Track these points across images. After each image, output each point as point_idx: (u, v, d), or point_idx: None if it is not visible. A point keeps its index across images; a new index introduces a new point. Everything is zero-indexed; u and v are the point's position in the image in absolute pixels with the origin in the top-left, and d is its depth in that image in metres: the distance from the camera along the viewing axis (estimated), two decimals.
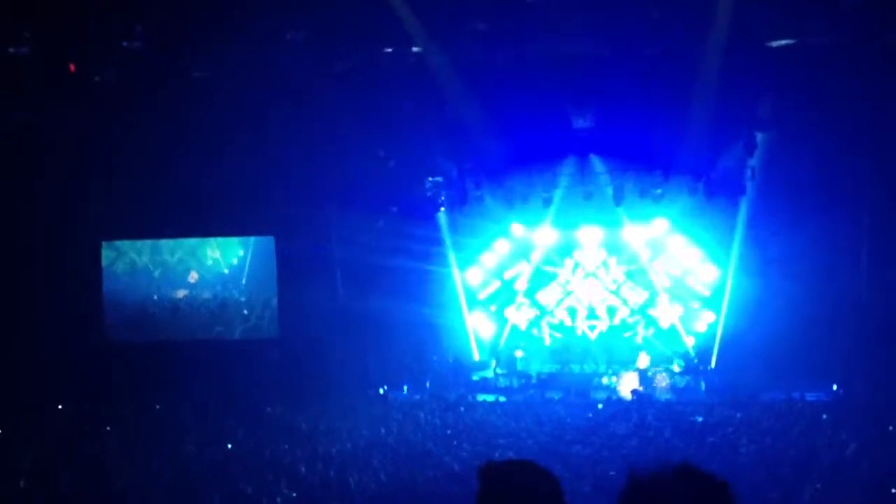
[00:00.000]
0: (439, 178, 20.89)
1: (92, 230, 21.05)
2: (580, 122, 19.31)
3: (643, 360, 20.68)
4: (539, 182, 21.10)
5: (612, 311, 22.05)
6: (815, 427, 14.65)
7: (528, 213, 21.58)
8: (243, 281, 22.20)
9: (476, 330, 22.18)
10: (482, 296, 22.29)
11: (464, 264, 22.11)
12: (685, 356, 20.87)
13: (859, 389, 17.48)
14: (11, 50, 14.86)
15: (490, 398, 19.45)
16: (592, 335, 21.93)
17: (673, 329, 21.70)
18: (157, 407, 17.60)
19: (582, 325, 22.05)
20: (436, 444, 14.02)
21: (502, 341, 22.14)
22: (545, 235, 22.03)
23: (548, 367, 21.32)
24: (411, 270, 21.12)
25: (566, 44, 16.52)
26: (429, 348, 21.30)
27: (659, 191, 20.48)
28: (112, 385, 19.11)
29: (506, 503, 2.77)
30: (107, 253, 22.08)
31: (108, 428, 16.00)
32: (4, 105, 17.45)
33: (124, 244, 22.21)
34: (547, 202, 21.16)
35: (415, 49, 16.68)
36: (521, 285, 22.33)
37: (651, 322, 21.83)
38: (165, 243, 22.25)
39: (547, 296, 22.29)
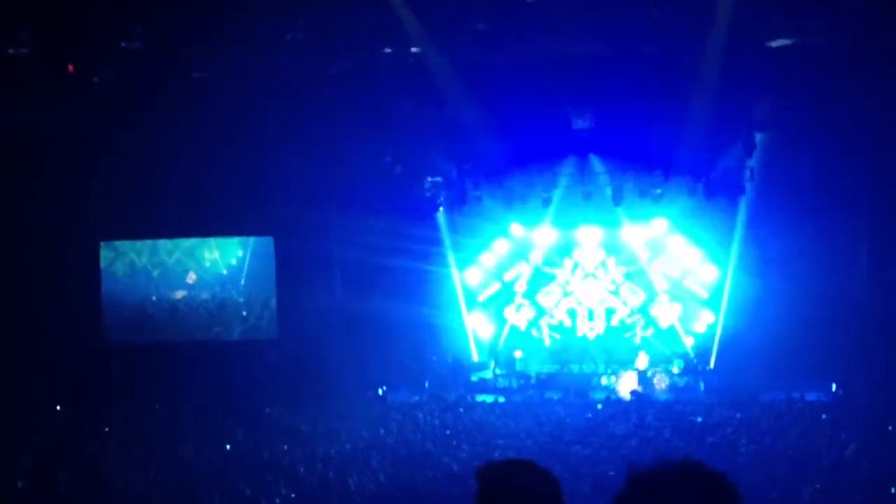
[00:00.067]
0: (438, 179, 20.89)
1: (90, 231, 21.03)
2: (579, 123, 19.31)
3: (642, 361, 20.68)
4: (538, 182, 21.09)
5: (611, 312, 22.04)
6: (815, 427, 14.65)
7: (528, 214, 21.57)
8: (242, 281, 22.17)
9: (475, 330, 22.16)
10: (482, 298, 22.26)
11: (463, 264, 22.10)
12: (684, 356, 20.87)
13: (859, 389, 17.48)
14: (11, 51, 14.85)
15: (489, 399, 19.44)
16: (592, 335, 21.91)
17: (672, 329, 21.69)
18: (156, 408, 17.58)
19: (581, 326, 22.03)
20: (435, 444, 14.02)
21: (501, 342, 22.12)
22: (544, 235, 22.02)
23: (547, 368, 21.30)
24: (410, 271, 21.10)
25: (565, 44, 16.52)
26: (428, 349, 21.28)
27: (658, 191, 20.47)
28: (111, 386, 19.07)
29: (504, 503, 2.76)
30: (105, 253, 22.05)
31: (107, 429, 15.98)
32: (3, 105, 17.43)
33: (123, 245, 22.19)
34: (546, 202, 21.15)
35: (414, 49, 16.68)
36: (520, 286, 22.31)
37: (650, 322, 21.82)
38: (164, 244, 22.22)
39: (546, 296, 22.27)
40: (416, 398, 18.97)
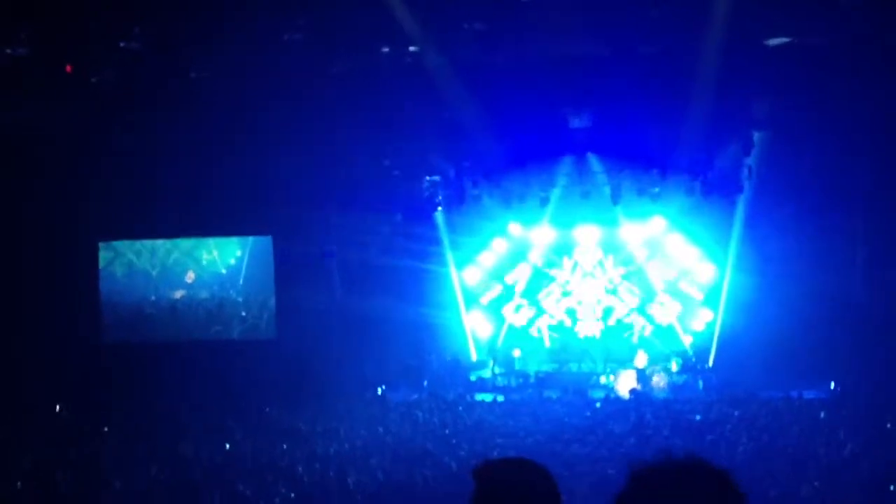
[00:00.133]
0: (437, 178, 20.91)
1: (89, 231, 21.03)
2: (577, 122, 19.34)
3: (641, 359, 20.69)
4: (536, 181, 21.11)
5: (609, 311, 22.05)
6: (813, 425, 14.66)
7: (526, 213, 21.58)
8: (241, 281, 22.18)
9: (474, 330, 22.18)
10: (485, 300, 22.25)
11: (461, 264, 22.11)
12: (683, 355, 20.88)
13: (857, 388, 17.49)
14: (9, 51, 14.84)
15: (488, 397, 19.45)
16: (591, 335, 21.92)
17: (671, 328, 21.71)
18: (155, 407, 17.58)
19: (581, 325, 22.04)
20: (434, 443, 14.02)
21: (500, 341, 22.13)
22: (543, 235, 22.03)
23: (546, 367, 21.31)
24: (409, 270, 21.11)
25: (563, 43, 16.54)
26: (427, 348, 21.28)
27: (656, 189, 20.49)
28: (109, 386, 19.09)
29: (502, 502, 2.76)
30: (104, 254, 22.06)
31: (106, 429, 15.98)
32: (2, 106, 17.43)
33: (121, 245, 22.19)
34: (544, 201, 21.17)
35: (412, 49, 16.70)
36: (519, 286, 22.32)
37: (649, 321, 21.83)
38: (163, 244, 22.23)
39: (545, 295, 22.28)
40: (415, 397, 18.97)
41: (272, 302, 21.68)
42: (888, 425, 14.15)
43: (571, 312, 22.14)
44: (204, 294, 22.25)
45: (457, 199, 21.06)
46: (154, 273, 22.25)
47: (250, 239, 22.06)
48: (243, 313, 22.07)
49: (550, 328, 22.15)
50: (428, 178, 20.86)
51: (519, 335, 22.17)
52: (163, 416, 16.65)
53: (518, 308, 22.26)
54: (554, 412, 16.95)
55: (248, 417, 16.53)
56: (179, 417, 16.48)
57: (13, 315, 20.01)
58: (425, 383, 20.20)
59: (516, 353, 21.45)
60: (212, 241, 22.23)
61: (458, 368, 21.11)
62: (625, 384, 19.68)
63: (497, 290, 22.24)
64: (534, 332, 22.15)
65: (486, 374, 21.18)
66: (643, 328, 21.79)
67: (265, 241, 21.71)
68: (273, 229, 21.19)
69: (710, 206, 20.51)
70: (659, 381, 19.91)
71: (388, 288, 20.58)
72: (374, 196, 20.43)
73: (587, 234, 22.08)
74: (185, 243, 22.27)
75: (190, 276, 22.25)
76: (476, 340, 22.14)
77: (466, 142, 19.63)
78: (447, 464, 12.41)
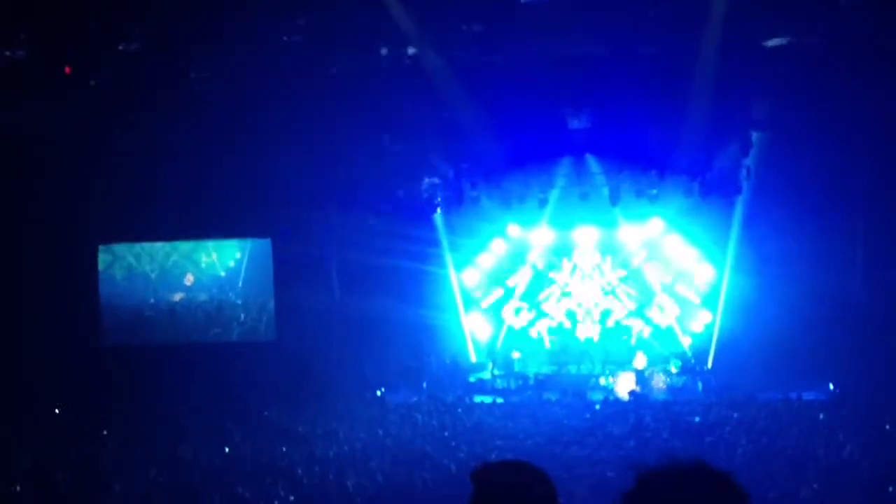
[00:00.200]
0: (436, 179, 20.90)
1: (88, 234, 21.02)
2: (576, 123, 19.35)
3: (640, 361, 20.68)
4: (535, 182, 21.10)
5: (608, 312, 22.04)
6: (812, 427, 14.66)
7: (525, 214, 21.57)
8: (240, 283, 22.17)
9: (473, 331, 22.16)
10: (485, 304, 22.24)
11: (460, 265, 22.09)
12: (682, 356, 20.86)
13: (856, 389, 17.49)
14: (7, 53, 14.84)
15: (487, 399, 19.43)
16: (590, 336, 21.90)
17: (670, 329, 21.70)
18: (155, 410, 17.57)
19: (579, 327, 22.02)
20: (433, 445, 14.02)
21: (499, 343, 22.12)
22: (542, 236, 22.03)
23: (545, 369, 21.29)
24: (408, 272, 21.09)
25: (561, 44, 16.55)
26: (426, 350, 21.26)
27: (655, 191, 20.48)
28: (109, 388, 19.07)
29: None
30: (103, 256, 22.04)
31: (106, 431, 15.97)
32: (1, 108, 17.42)
33: (121, 247, 22.18)
34: (543, 203, 21.16)
35: (411, 50, 16.70)
36: (518, 287, 22.31)
37: (648, 322, 21.82)
38: (162, 246, 22.21)
39: (545, 297, 22.27)
40: (415, 399, 18.96)
41: (271, 304, 21.67)
42: (887, 426, 14.14)
43: (571, 314, 22.13)
44: (203, 296, 22.24)
45: (456, 201, 21.05)
46: (153, 276, 22.24)
47: (249, 241, 22.05)
48: (242, 316, 22.06)
49: (550, 330, 22.14)
50: (427, 179, 20.86)
51: (518, 337, 22.16)
52: (162, 419, 16.65)
53: (518, 311, 22.25)
54: (553, 414, 16.94)
55: (248, 420, 16.52)
56: (179, 420, 16.47)
57: (13, 318, 19.99)
58: (424, 385, 20.19)
59: (515, 354, 21.43)
60: (211, 244, 22.22)
61: (457, 370, 21.09)
62: (624, 386, 19.68)
63: (497, 293, 22.23)
64: (533, 333, 22.13)
65: (486, 375, 21.16)
66: (641, 330, 21.78)
67: (264, 244, 21.69)
68: (272, 231, 21.18)
69: (708, 206, 20.51)
70: (658, 382, 19.91)
71: (387, 290, 20.57)
72: (373, 198, 20.43)
73: (586, 236, 22.07)
74: (184, 246, 22.26)
75: (189, 279, 22.24)
76: (475, 342, 22.13)
77: (465, 143, 19.63)
78: (446, 466, 12.41)
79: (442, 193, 21.05)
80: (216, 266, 22.28)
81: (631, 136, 19.32)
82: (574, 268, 22.29)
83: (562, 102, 18.79)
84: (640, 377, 19.95)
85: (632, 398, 18.58)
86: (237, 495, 11.43)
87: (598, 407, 17.60)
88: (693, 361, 20.72)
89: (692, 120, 18.18)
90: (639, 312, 21.91)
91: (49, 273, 20.29)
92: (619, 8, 15.48)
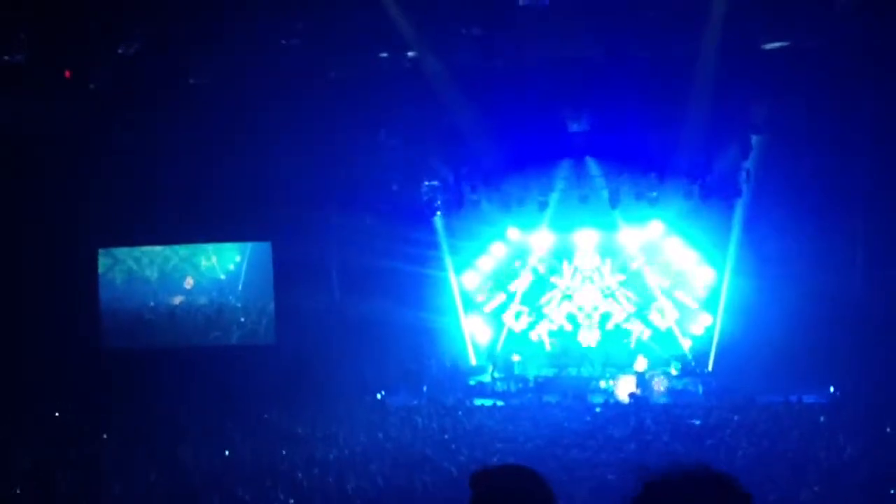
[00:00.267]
0: (435, 182, 20.90)
1: (88, 237, 21.02)
2: (575, 126, 19.35)
3: (641, 364, 20.67)
4: (535, 185, 21.09)
5: (608, 315, 22.02)
6: (813, 430, 14.65)
7: (525, 217, 21.57)
8: (240, 287, 22.17)
9: (473, 334, 22.16)
10: (488, 309, 22.23)
11: (460, 268, 22.09)
12: (682, 359, 20.86)
13: (857, 392, 17.48)
14: (7, 57, 14.84)
15: (487, 402, 19.42)
16: (590, 339, 21.89)
17: (670, 332, 21.68)
18: (155, 413, 17.57)
19: (580, 330, 22.01)
20: (433, 448, 14.01)
21: (499, 345, 22.11)
22: (541, 239, 22.03)
23: (545, 371, 21.28)
24: (408, 275, 21.08)
25: (561, 48, 16.56)
26: (426, 353, 21.25)
27: (655, 193, 20.48)
28: (109, 392, 19.06)
29: None
30: (103, 260, 22.05)
31: (106, 435, 15.96)
32: (0, 112, 17.43)
33: (120, 251, 22.18)
34: (543, 205, 21.16)
35: (410, 54, 16.71)
36: (519, 290, 22.30)
37: (648, 325, 21.81)
38: (161, 250, 22.22)
39: (544, 300, 22.26)
40: (415, 402, 18.95)
41: (271, 307, 21.67)
42: (888, 429, 14.14)
43: (571, 317, 22.12)
44: (203, 300, 22.24)
45: (456, 204, 21.05)
46: (153, 279, 22.24)
47: (249, 245, 22.06)
48: (242, 319, 22.06)
49: (550, 333, 22.12)
50: (427, 182, 20.85)
51: (518, 340, 22.15)
52: (162, 422, 16.64)
53: (518, 314, 22.24)
54: (553, 417, 16.94)
55: (248, 422, 16.52)
56: (179, 423, 16.47)
57: (14, 321, 19.99)
58: (424, 388, 20.18)
59: (515, 357, 21.43)
60: (211, 247, 22.22)
61: (457, 373, 21.08)
62: (624, 389, 19.67)
63: (499, 298, 22.22)
64: (534, 337, 22.12)
65: (486, 378, 21.15)
66: (641, 333, 21.77)
67: (264, 247, 21.70)
68: (272, 235, 21.19)
69: (708, 209, 20.50)
70: (658, 385, 19.90)
71: (387, 293, 20.56)
72: (373, 201, 20.43)
73: (586, 238, 22.07)
74: (184, 249, 22.26)
75: (189, 283, 22.24)
76: (475, 345, 22.12)
77: (465, 146, 19.63)
78: (447, 469, 12.40)
79: (442, 196, 21.04)
80: (216, 269, 22.28)
81: (631, 139, 19.32)
82: (574, 271, 22.28)
83: (561, 105, 18.80)
84: (641, 380, 19.94)
85: (632, 401, 18.57)
86: (237, 498, 11.43)
87: (598, 410, 17.60)
88: (693, 364, 20.71)
89: (692, 123, 18.18)
90: (639, 315, 21.90)
91: (49, 276, 20.30)
92: (619, 11, 15.49)
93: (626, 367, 20.78)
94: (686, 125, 18.32)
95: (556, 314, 22.16)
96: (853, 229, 19.59)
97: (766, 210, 19.99)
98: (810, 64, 16.40)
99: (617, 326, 21.92)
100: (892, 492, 10.83)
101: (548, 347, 21.97)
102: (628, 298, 21.99)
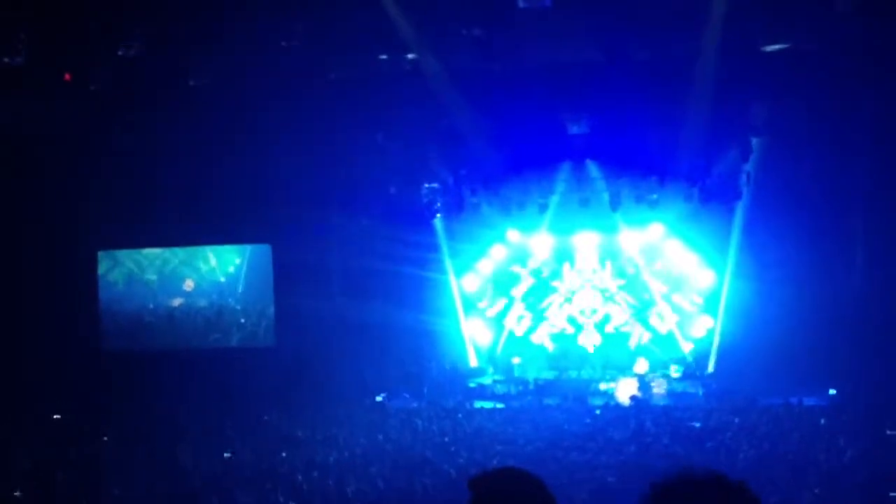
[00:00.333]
0: (435, 185, 20.90)
1: (88, 239, 21.02)
2: (575, 128, 19.33)
3: (641, 366, 20.66)
4: (535, 188, 21.10)
5: (608, 318, 22.02)
6: (813, 432, 14.64)
7: (525, 220, 21.57)
8: (240, 289, 22.17)
9: (473, 337, 22.15)
10: (490, 313, 22.22)
11: (460, 271, 22.09)
12: (683, 361, 20.85)
13: (857, 394, 17.47)
14: (6, 59, 14.83)
15: (488, 405, 19.41)
16: (591, 342, 21.88)
17: (670, 334, 21.68)
18: (154, 415, 17.57)
19: (581, 332, 21.99)
20: (433, 451, 14.00)
21: (499, 348, 22.10)
22: (542, 242, 22.02)
23: (545, 374, 21.26)
24: (408, 277, 21.10)
25: (561, 50, 16.55)
26: (426, 355, 21.25)
27: (655, 196, 20.48)
28: (108, 394, 19.06)
29: None
30: (103, 262, 22.05)
31: (105, 437, 15.95)
32: (1, 113, 17.43)
33: (120, 253, 22.18)
34: (543, 208, 21.17)
35: (410, 56, 16.70)
36: (518, 292, 22.30)
37: (648, 328, 21.80)
38: (161, 252, 22.22)
39: (545, 303, 22.25)
40: (415, 405, 18.94)
41: (271, 310, 21.67)
42: (888, 431, 14.12)
43: (572, 320, 22.11)
44: (203, 302, 22.24)
45: (455, 207, 21.05)
46: (153, 281, 22.24)
47: (249, 247, 22.06)
48: (242, 321, 22.06)
49: (551, 336, 22.11)
50: (426, 185, 20.86)
51: (518, 342, 22.14)
52: (162, 424, 16.63)
53: (519, 318, 22.22)
54: (553, 419, 16.92)
55: (247, 425, 16.51)
56: (179, 425, 16.45)
57: (12, 323, 19.99)
58: (425, 390, 20.17)
59: (515, 360, 21.42)
60: (210, 250, 22.22)
61: (457, 375, 21.08)
62: (625, 391, 19.65)
63: (501, 302, 22.21)
64: (534, 339, 22.11)
65: (486, 381, 21.15)
66: (641, 335, 21.75)
67: (264, 249, 21.70)
68: (272, 237, 21.19)
69: (708, 212, 20.50)
70: (659, 387, 19.89)
71: (387, 295, 20.57)
72: (373, 203, 20.44)
73: (586, 241, 22.07)
74: (184, 252, 22.26)
75: (189, 285, 22.24)
76: (475, 347, 22.11)
77: (465, 148, 19.63)
78: (447, 471, 12.39)
79: (442, 199, 21.04)
80: (216, 271, 22.28)
81: (631, 142, 19.32)
82: (574, 273, 22.27)
83: (561, 108, 18.79)
84: (641, 382, 19.93)
85: (632, 403, 18.54)
86: (237, 501, 11.41)
87: (598, 412, 17.57)
88: (694, 366, 20.71)
89: (692, 125, 18.18)
90: (639, 318, 21.90)
91: (48, 278, 20.30)
92: (619, 13, 15.48)
93: (626, 370, 20.77)
94: (686, 128, 18.32)
95: (556, 317, 22.14)
96: (853, 231, 19.59)
97: (767, 212, 19.99)
98: (810, 66, 16.39)
99: (617, 329, 21.91)
100: (892, 494, 10.82)
101: (550, 349, 21.94)
102: (628, 303, 21.97)
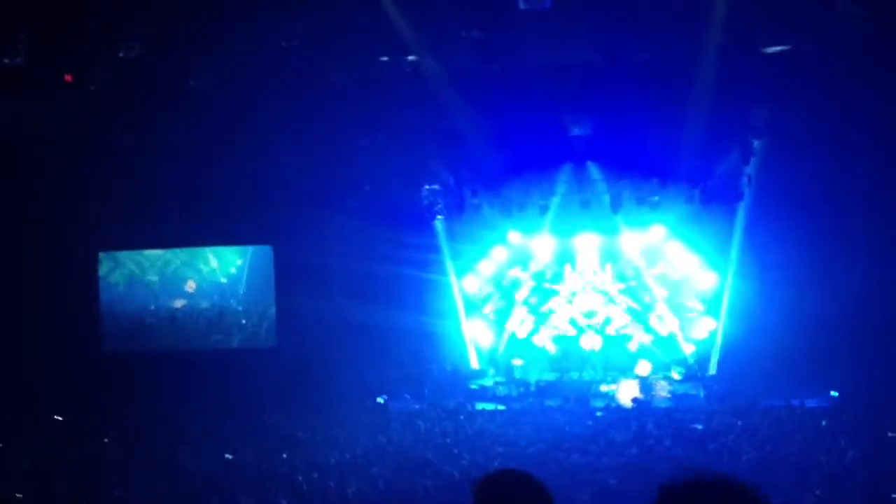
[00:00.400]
0: (436, 186, 20.90)
1: (89, 240, 21.01)
2: (576, 130, 19.33)
3: (643, 368, 20.65)
4: (536, 190, 21.10)
5: (609, 320, 22.00)
6: (815, 434, 14.62)
7: (526, 221, 21.57)
8: (241, 290, 22.17)
9: (474, 338, 22.13)
10: (489, 312, 22.20)
11: (461, 272, 22.09)
12: (684, 363, 20.83)
13: (858, 396, 17.46)
14: (6, 60, 14.83)
15: (489, 406, 19.39)
16: (592, 343, 21.86)
17: (672, 336, 21.66)
18: (155, 417, 17.55)
19: (581, 334, 21.98)
20: (435, 452, 13.98)
21: (501, 350, 22.09)
22: (543, 243, 22.02)
23: (547, 375, 21.25)
24: (409, 279, 21.09)
25: (562, 51, 16.55)
26: (427, 357, 21.25)
27: (656, 198, 20.47)
28: (109, 395, 19.05)
29: None
30: (104, 263, 22.04)
31: (106, 439, 15.95)
32: (2, 114, 17.44)
33: (121, 254, 22.18)
34: (544, 210, 21.16)
35: (411, 58, 16.70)
36: (520, 294, 22.29)
37: (649, 329, 21.79)
38: (163, 253, 22.22)
39: (546, 305, 22.24)
40: (416, 406, 18.93)
41: (272, 311, 21.67)
42: (890, 433, 14.11)
43: (574, 322, 22.10)
44: (204, 303, 22.23)
45: (456, 208, 21.04)
46: (154, 283, 22.24)
47: (250, 248, 22.06)
48: (243, 322, 22.06)
49: (553, 338, 22.09)
50: (427, 186, 20.85)
51: (519, 344, 22.12)
52: (163, 426, 16.63)
53: (522, 322, 22.21)
54: (555, 421, 16.90)
55: (248, 426, 16.50)
56: (179, 426, 16.44)
57: (13, 325, 19.98)
58: (426, 392, 20.16)
59: (517, 361, 21.40)
60: (212, 251, 22.22)
61: (458, 377, 21.06)
62: (626, 393, 19.63)
63: (502, 304, 22.20)
64: (536, 341, 22.09)
65: (487, 382, 21.13)
66: (643, 337, 21.73)
67: (265, 251, 21.71)
68: (273, 238, 21.20)
69: (710, 214, 20.49)
70: (661, 390, 19.86)
71: (388, 296, 20.57)
72: (374, 204, 20.44)
73: (587, 243, 22.06)
74: (186, 253, 22.27)
75: (191, 286, 22.23)
76: (477, 349, 22.10)
77: (465, 150, 19.63)
78: (448, 473, 12.37)
79: (443, 200, 21.03)
80: (217, 273, 22.29)
81: (632, 143, 19.32)
82: (575, 275, 22.26)
83: (562, 109, 18.79)
84: (643, 384, 19.91)
85: (634, 405, 18.53)
86: (238, 502, 11.40)
87: (599, 414, 17.56)
88: (696, 368, 20.68)
89: (693, 127, 18.18)
90: (640, 319, 21.89)
91: (49, 279, 20.29)
92: (619, 15, 15.47)
93: (627, 372, 20.76)
94: (687, 129, 18.32)
95: (557, 318, 22.13)
96: (855, 233, 19.58)
97: (768, 214, 19.98)
98: (811, 67, 16.39)
99: (618, 331, 21.89)
100: (894, 495, 10.80)
101: (552, 350, 21.93)
102: (630, 305, 21.96)
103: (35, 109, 17.21)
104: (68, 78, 16.21)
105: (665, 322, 21.68)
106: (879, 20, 15.00)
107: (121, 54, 15.37)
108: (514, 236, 21.97)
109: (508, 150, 19.69)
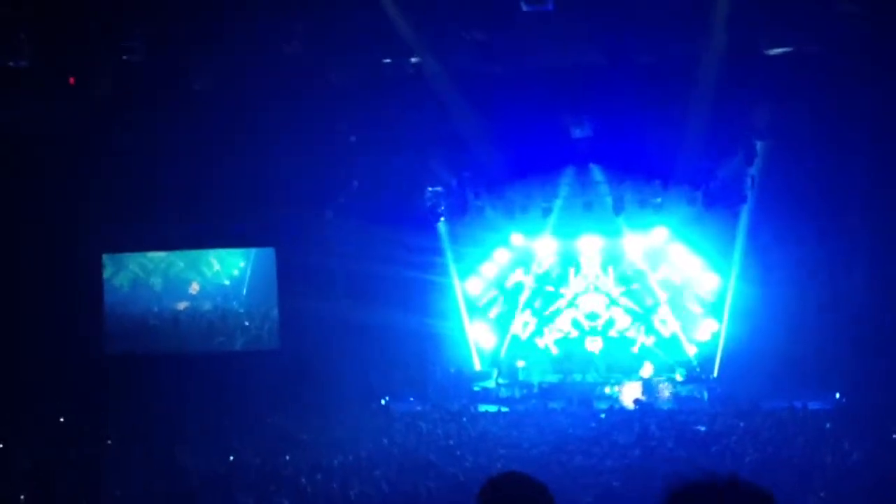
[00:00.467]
0: (439, 188, 20.91)
1: (93, 243, 21.04)
2: (579, 132, 19.32)
3: (646, 370, 20.64)
4: (539, 192, 21.11)
5: (613, 321, 22.00)
6: (818, 436, 14.60)
7: (528, 223, 21.57)
8: (244, 292, 22.19)
9: (477, 340, 22.13)
10: (492, 314, 22.21)
11: (464, 274, 22.09)
12: (687, 365, 20.82)
13: (862, 398, 17.43)
14: (11, 63, 14.86)
15: (492, 408, 19.39)
16: (595, 345, 21.85)
17: (675, 338, 21.65)
18: (157, 418, 17.56)
19: (584, 335, 21.97)
20: (438, 454, 13.98)
21: (503, 351, 22.09)
22: (545, 245, 22.02)
23: (550, 377, 21.24)
24: (412, 280, 21.10)
25: (564, 53, 16.55)
26: (430, 358, 21.25)
27: (658, 200, 20.47)
28: (112, 397, 19.07)
29: None
30: (108, 266, 22.07)
31: (109, 440, 15.96)
32: (3, 117, 17.45)
33: (125, 256, 22.21)
34: (546, 212, 21.17)
35: (413, 59, 16.71)
36: (523, 296, 22.28)
37: (652, 331, 21.78)
38: (166, 256, 22.25)
39: (549, 306, 22.24)
40: (419, 408, 18.93)
41: (275, 313, 21.68)
42: (893, 435, 14.09)
43: (576, 324, 22.10)
44: (207, 305, 22.25)
45: (459, 210, 21.06)
46: (157, 285, 22.27)
47: (253, 250, 22.08)
48: (246, 324, 22.08)
49: (556, 340, 22.09)
50: (430, 188, 20.86)
51: (522, 346, 22.12)
52: (165, 427, 16.63)
53: (525, 325, 22.20)
54: (558, 423, 16.90)
55: (251, 428, 16.51)
56: (182, 428, 16.45)
57: (16, 326, 20.00)
58: (429, 394, 20.16)
59: (520, 363, 21.40)
60: (214, 254, 22.25)
61: (461, 379, 21.06)
62: (629, 395, 19.63)
63: (503, 304, 22.19)
64: (539, 343, 22.09)
65: (490, 384, 21.13)
66: (646, 339, 21.72)
67: (268, 253, 21.73)
68: (276, 240, 21.22)
69: (712, 216, 20.48)
70: (663, 391, 19.86)
71: (391, 299, 20.57)
72: (377, 207, 20.45)
73: (590, 245, 22.05)
74: (189, 255, 22.30)
75: (194, 288, 22.26)
76: (479, 351, 22.10)
77: (468, 152, 19.65)
78: (451, 475, 12.37)
79: (445, 202, 21.05)
80: (220, 275, 22.31)
81: (634, 146, 19.32)
82: (578, 277, 22.26)
83: (565, 111, 18.79)
84: (646, 386, 19.91)
85: (637, 407, 18.52)
86: (240, 503, 11.41)
87: (603, 416, 17.55)
88: (699, 370, 20.67)
89: (695, 129, 18.17)
90: (643, 321, 21.88)
91: (53, 282, 20.32)
92: (621, 17, 15.47)
93: (631, 374, 20.75)
94: (690, 131, 18.31)
95: (560, 320, 22.13)
96: (858, 234, 19.56)
97: (771, 216, 19.96)
98: (814, 69, 16.38)
99: (621, 333, 21.89)
100: None
101: (554, 352, 21.92)
102: (632, 307, 21.95)
103: (39, 111, 17.23)
104: (71, 81, 16.22)
105: (668, 324, 21.68)
106: (879, 20, 14.99)
107: (125, 57, 15.38)
108: (517, 238, 21.97)
109: (511, 152, 19.70)
